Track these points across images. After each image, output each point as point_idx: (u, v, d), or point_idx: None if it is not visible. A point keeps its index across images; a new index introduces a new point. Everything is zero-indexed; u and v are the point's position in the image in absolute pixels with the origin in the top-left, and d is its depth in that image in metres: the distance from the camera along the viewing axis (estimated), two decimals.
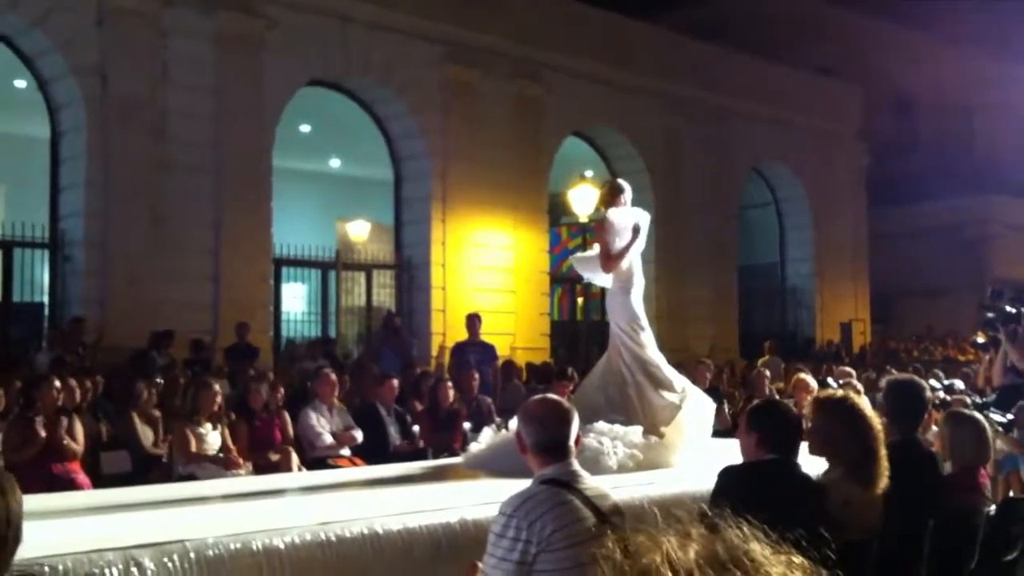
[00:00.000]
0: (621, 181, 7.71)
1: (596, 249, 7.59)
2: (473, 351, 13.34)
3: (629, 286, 7.30)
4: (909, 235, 27.80)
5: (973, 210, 28.27)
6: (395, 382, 10.46)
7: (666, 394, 7.23)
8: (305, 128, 19.08)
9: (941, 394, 8.58)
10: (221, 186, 14.95)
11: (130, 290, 13.85)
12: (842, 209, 25.08)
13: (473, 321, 13.58)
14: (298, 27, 15.71)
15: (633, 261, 7.36)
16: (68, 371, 10.02)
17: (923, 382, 5.29)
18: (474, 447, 7.26)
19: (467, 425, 9.85)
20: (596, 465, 6.01)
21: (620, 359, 7.31)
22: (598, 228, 7.52)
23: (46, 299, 14.56)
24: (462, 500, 5.03)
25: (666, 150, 20.75)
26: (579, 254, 8.13)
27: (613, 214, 7.38)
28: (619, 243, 7.26)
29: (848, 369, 11.48)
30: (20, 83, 15.21)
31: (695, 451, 6.90)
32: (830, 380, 9.84)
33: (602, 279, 7.51)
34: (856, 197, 25.94)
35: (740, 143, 22.41)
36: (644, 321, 7.40)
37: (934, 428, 5.86)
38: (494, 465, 6.35)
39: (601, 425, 6.73)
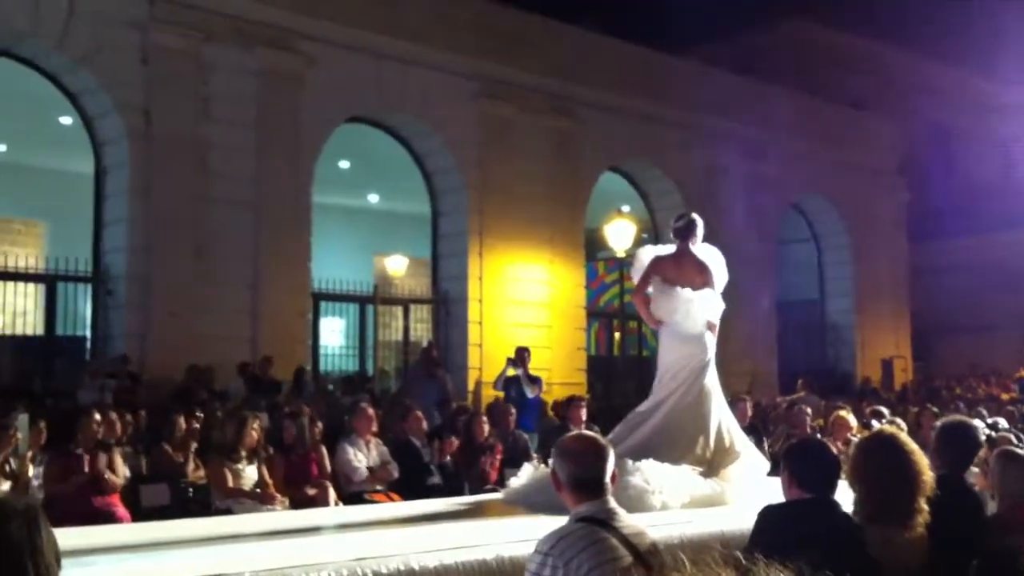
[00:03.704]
0: (695, 216, 7.53)
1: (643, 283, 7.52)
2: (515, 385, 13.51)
3: (713, 325, 7.31)
4: (951, 271, 27.48)
5: (1015, 245, 27.89)
6: (419, 414, 10.45)
7: (727, 439, 7.17)
8: (344, 164, 19.27)
9: (984, 432, 8.45)
10: (261, 221, 15.11)
11: (171, 324, 13.99)
12: (882, 244, 24.89)
13: (523, 355, 13.80)
14: (336, 64, 15.90)
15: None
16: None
17: (973, 423, 5.23)
18: (514, 482, 7.21)
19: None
20: (640, 503, 5.97)
21: (694, 397, 7.22)
22: (702, 269, 7.37)
23: (88, 333, 14.73)
24: (498, 537, 5.01)
25: (703, 185, 20.72)
26: (656, 287, 7.47)
27: (711, 255, 7.41)
28: (716, 283, 7.27)
29: (880, 408, 11.31)
30: (66, 120, 15.49)
31: (749, 491, 6.73)
32: (875, 422, 9.71)
33: (667, 313, 7.37)
34: (896, 232, 25.74)
35: (778, 178, 22.33)
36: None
37: (974, 469, 5.77)
38: (533, 501, 6.30)
39: (649, 463, 6.66)
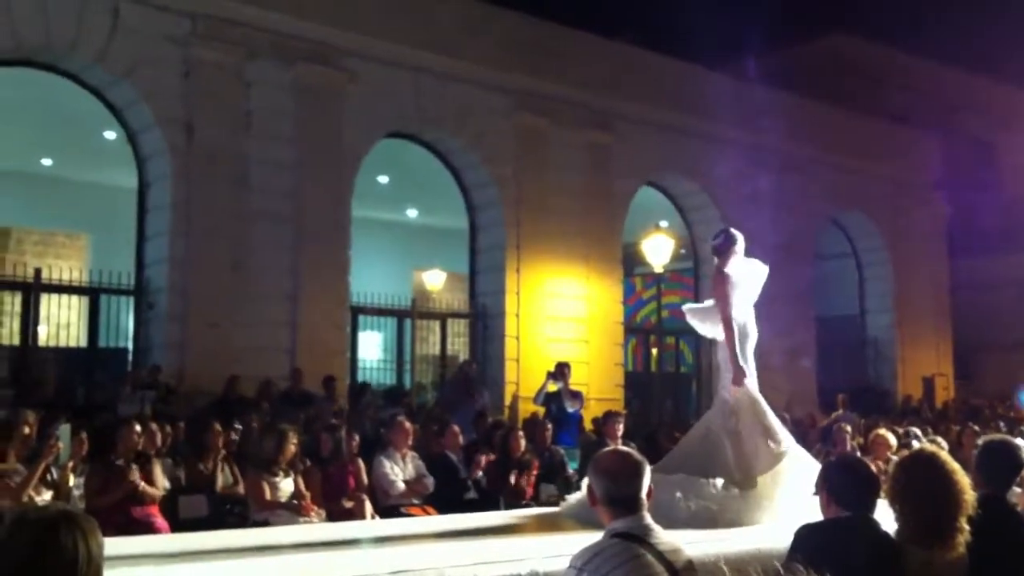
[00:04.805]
0: (734, 231, 7.56)
1: (710, 300, 7.60)
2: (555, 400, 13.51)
3: (743, 338, 7.28)
4: (995, 287, 27.11)
5: None
6: (456, 428, 10.47)
7: (770, 443, 7.10)
8: (383, 179, 19.37)
9: None
10: (301, 234, 15.22)
11: (210, 336, 14.11)
12: (922, 260, 24.61)
13: (564, 370, 13.79)
14: (376, 79, 16.02)
15: (747, 313, 7.34)
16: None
17: (1016, 441, 5.16)
18: (572, 497, 7.24)
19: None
20: (665, 517, 5.94)
21: (728, 409, 7.25)
22: (716, 282, 7.42)
23: (130, 345, 14.90)
24: (533, 552, 5.00)
25: (741, 200, 20.58)
26: (692, 304, 8.10)
27: (731, 269, 7.36)
28: (734, 299, 7.24)
29: (913, 429, 11.18)
30: (110, 135, 15.71)
31: (787, 508, 6.63)
32: (915, 443, 9.61)
33: (714, 331, 7.49)
34: (937, 247, 25.46)
35: (818, 192, 22.19)
36: (752, 373, 7.32)
37: (1016, 489, 5.69)
38: (589, 516, 6.27)
39: (678, 477, 6.65)
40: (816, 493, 4.26)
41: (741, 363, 7.23)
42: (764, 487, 6.82)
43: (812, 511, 5.16)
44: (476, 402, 14.63)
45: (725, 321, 7.25)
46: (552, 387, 13.91)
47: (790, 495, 6.80)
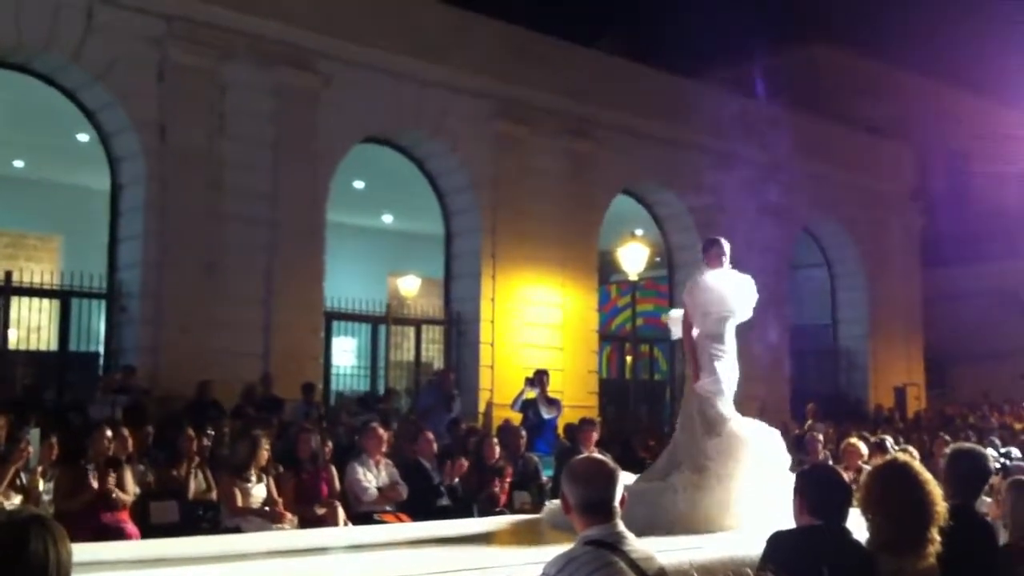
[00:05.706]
0: (722, 240, 7.57)
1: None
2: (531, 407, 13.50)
3: (716, 340, 7.35)
4: (966, 298, 27.31)
5: None
6: (430, 435, 10.44)
7: (713, 436, 7.17)
8: (359, 184, 19.31)
9: (997, 463, 8.41)
10: (275, 238, 15.14)
11: (183, 340, 14.00)
12: (896, 270, 24.80)
13: (542, 377, 13.77)
14: (353, 83, 15.97)
15: (723, 321, 7.38)
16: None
17: (984, 451, 5.20)
18: (555, 502, 7.26)
19: None
20: (634, 525, 6.00)
21: (691, 416, 7.35)
22: (688, 287, 7.51)
23: (101, 349, 14.77)
24: (506, 559, 4.99)
25: (716, 208, 20.64)
26: (673, 312, 8.14)
27: (710, 276, 7.39)
28: (708, 306, 7.26)
29: (884, 437, 11.28)
30: (83, 137, 15.59)
31: (750, 502, 6.71)
32: (888, 445, 9.67)
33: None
34: (910, 258, 25.65)
35: (791, 202, 22.27)
36: (723, 384, 7.36)
37: (986, 499, 5.73)
38: (569, 522, 6.31)
39: (641, 485, 6.77)
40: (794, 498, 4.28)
41: (705, 365, 7.31)
42: (720, 482, 6.86)
43: (784, 518, 5.19)
44: (450, 409, 14.59)
45: (685, 325, 7.35)
46: (530, 394, 13.90)
47: (752, 486, 6.85)
